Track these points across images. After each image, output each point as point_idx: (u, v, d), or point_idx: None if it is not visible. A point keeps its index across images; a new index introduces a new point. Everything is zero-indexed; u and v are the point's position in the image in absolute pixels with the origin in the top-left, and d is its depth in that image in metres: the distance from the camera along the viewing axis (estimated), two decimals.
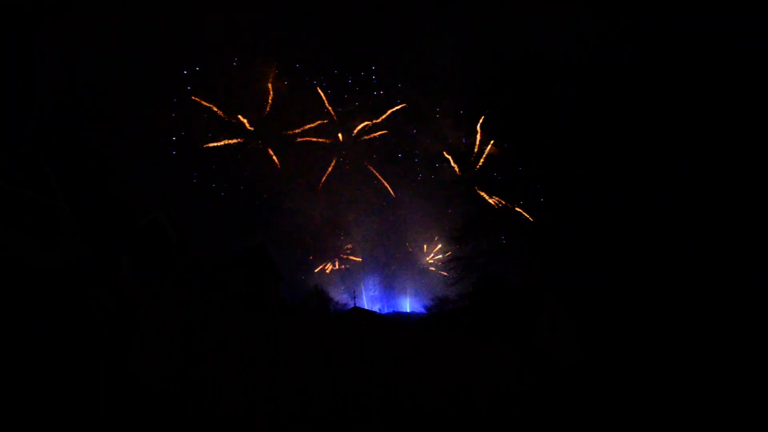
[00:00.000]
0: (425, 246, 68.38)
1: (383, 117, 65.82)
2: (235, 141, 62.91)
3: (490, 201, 31.87)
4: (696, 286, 23.57)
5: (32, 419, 6.36)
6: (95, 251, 16.05)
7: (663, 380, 19.16)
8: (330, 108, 64.98)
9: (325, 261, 68.12)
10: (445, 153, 56.62)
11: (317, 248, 68.05)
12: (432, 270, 67.08)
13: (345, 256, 68.19)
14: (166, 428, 7.32)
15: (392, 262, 68.84)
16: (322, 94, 64.60)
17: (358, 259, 68.24)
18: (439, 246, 66.39)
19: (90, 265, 14.70)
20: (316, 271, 67.16)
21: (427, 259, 67.94)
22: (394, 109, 65.44)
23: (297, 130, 65.29)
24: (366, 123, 65.63)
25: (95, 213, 18.25)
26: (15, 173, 15.46)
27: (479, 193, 33.11)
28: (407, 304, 67.89)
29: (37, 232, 15.06)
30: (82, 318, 7.44)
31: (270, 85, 63.08)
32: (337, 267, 67.90)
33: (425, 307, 57.90)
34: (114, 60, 53.68)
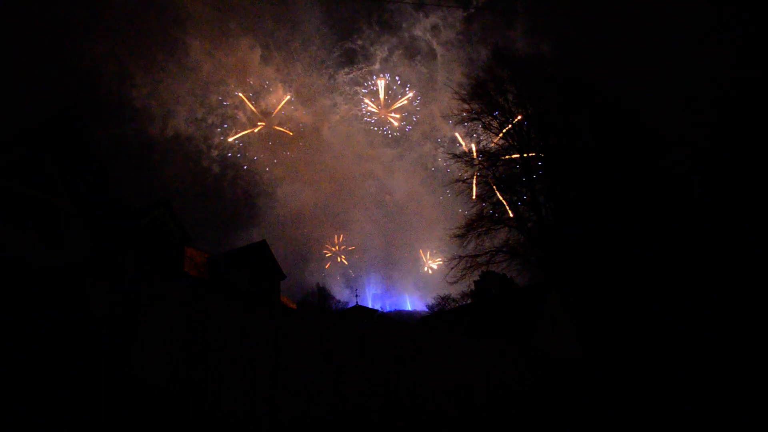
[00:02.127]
0: (427, 243, 68.38)
1: (382, 112, 66.06)
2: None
3: (492, 199, 31.86)
4: (696, 286, 23.57)
5: (32, 419, 6.38)
6: (96, 251, 16.04)
7: (664, 380, 19.15)
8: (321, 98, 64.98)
9: (327, 258, 68.09)
10: (445, 151, 56.91)
11: (319, 245, 68.05)
12: (434, 268, 67.05)
13: (347, 254, 68.18)
14: (166, 428, 7.33)
15: (395, 260, 68.83)
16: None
17: (360, 256, 68.24)
18: (442, 244, 66.38)
19: (90, 265, 14.70)
20: (318, 268, 67.14)
21: (430, 255, 67.90)
22: (392, 107, 65.73)
23: (293, 132, 65.27)
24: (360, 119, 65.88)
25: (96, 212, 18.25)
26: (16, 172, 15.45)
27: (481, 191, 33.19)
28: (409, 303, 67.83)
29: (37, 232, 15.04)
30: (82, 318, 7.45)
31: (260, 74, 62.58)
32: (339, 263, 67.88)
33: (427, 305, 57.75)
34: (113, 58, 53.80)
